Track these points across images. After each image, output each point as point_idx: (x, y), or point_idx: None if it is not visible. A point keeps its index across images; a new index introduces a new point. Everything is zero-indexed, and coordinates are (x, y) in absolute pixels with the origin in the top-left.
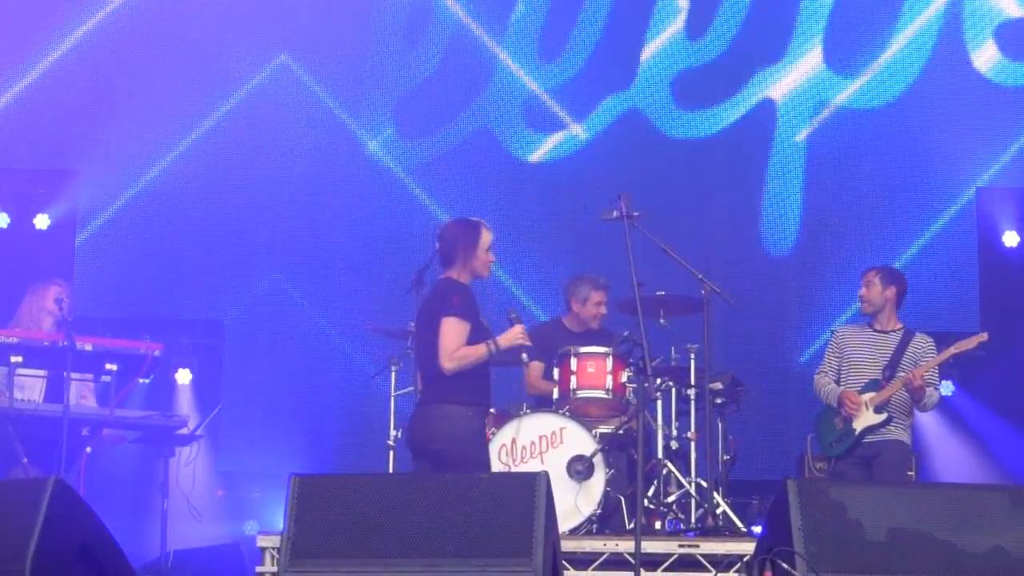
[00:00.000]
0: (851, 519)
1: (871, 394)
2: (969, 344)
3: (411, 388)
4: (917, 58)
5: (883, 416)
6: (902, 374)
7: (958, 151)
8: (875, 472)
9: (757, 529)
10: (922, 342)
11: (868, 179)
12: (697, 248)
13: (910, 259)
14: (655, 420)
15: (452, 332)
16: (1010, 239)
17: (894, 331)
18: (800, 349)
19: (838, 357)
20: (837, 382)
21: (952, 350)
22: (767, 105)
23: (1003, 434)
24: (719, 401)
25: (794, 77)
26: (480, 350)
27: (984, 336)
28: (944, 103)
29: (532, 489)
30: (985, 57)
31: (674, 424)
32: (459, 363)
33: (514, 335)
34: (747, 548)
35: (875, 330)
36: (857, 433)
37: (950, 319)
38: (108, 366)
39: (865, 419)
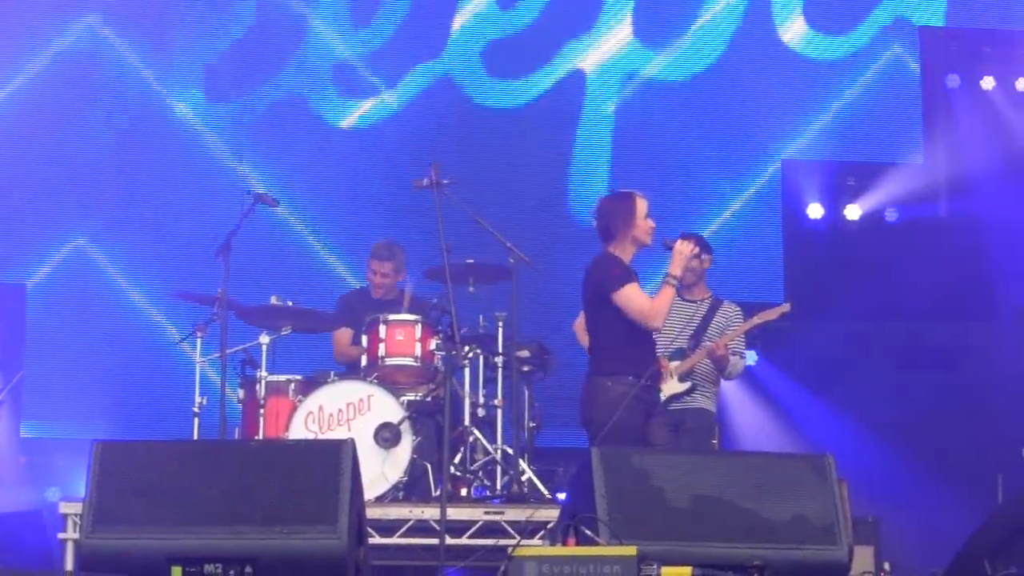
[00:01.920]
0: (654, 486)
1: (676, 362)
2: (771, 315)
3: (217, 355)
4: (725, 31)
5: (687, 385)
6: (707, 343)
7: (764, 124)
8: (680, 439)
9: (562, 496)
10: (730, 310)
11: (675, 150)
12: (506, 216)
13: (716, 230)
14: (462, 387)
15: (634, 299)
16: (814, 211)
17: (703, 300)
18: None
19: None
20: None
21: (755, 320)
22: (577, 76)
23: (805, 403)
24: (526, 369)
25: (604, 48)
26: (668, 291)
27: (787, 307)
28: (751, 76)
29: (338, 456)
30: (793, 30)
31: (481, 391)
32: (661, 315)
33: (683, 253)
34: (552, 515)
35: (684, 299)
36: (663, 401)
37: (755, 290)
38: None
39: (670, 387)
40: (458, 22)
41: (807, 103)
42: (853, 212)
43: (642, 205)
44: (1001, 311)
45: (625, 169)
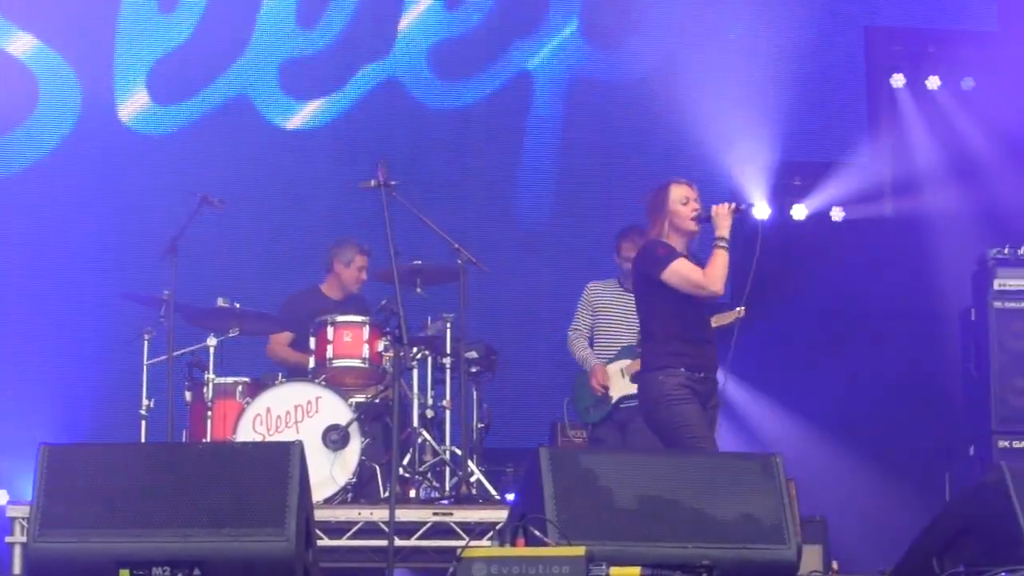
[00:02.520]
0: (602, 486)
1: (626, 361)
2: (726, 319)
3: (164, 357)
4: (672, 30)
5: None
6: None
7: (711, 123)
8: (628, 437)
9: (511, 497)
10: None
11: (623, 151)
12: (454, 217)
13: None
14: (411, 389)
15: (684, 271)
16: (760, 211)
17: None
18: (554, 318)
19: (590, 314)
20: (591, 340)
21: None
22: (524, 76)
23: (753, 403)
24: (474, 370)
25: (550, 48)
26: (720, 255)
27: (741, 311)
28: (698, 75)
29: (286, 459)
30: (737, 30)
31: (429, 393)
32: (719, 281)
33: (722, 214)
34: (500, 516)
35: (627, 289)
36: (614, 401)
37: None
38: None
39: (621, 387)
40: (404, 23)
41: (753, 102)
42: (799, 212)
43: (677, 191)
44: (948, 311)
45: (573, 170)
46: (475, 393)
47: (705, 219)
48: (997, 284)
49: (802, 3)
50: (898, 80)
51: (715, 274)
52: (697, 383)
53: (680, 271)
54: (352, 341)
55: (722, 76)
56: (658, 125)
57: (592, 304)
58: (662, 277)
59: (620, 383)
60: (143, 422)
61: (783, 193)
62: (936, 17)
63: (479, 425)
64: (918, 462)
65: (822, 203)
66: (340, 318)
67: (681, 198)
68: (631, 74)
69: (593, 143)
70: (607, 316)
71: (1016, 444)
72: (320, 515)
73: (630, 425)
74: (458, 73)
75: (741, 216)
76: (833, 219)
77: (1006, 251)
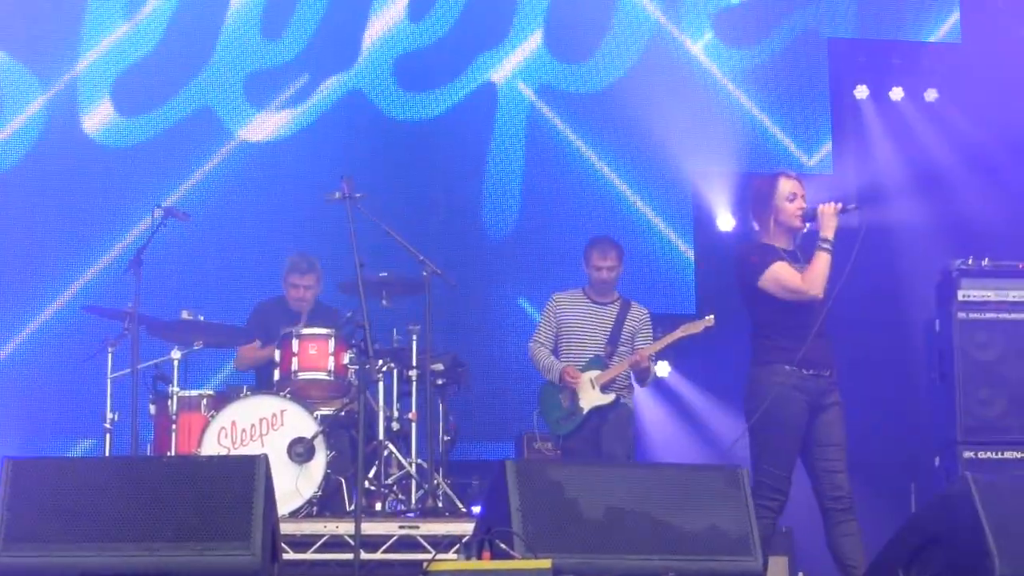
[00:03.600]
0: (569, 499)
1: (596, 372)
2: (695, 328)
3: (128, 370)
4: (636, 42)
5: (611, 397)
6: (630, 355)
7: (675, 134)
8: (603, 438)
9: (477, 509)
10: (639, 313)
11: (587, 162)
12: (420, 230)
13: (629, 240)
14: (376, 401)
15: (782, 277)
16: (725, 222)
17: (612, 302)
18: (520, 330)
19: (554, 325)
20: (555, 352)
21: (679, 333)
22: (489, 88)
23: (718, 414)
24: (440, 382)
25: (515, 60)
26: (822, 257)
27: (710, 320)
28: (662, 87)
29: (251, 472)
30: (702, 43)
31: (395, 405)
32: (818, 284)
33: (828, 214)
34: (467, 529)
35: (593, 301)
36: (585, 412)
37: (667, 301)
38: None
39: (592, 398)
40: (369, 35)
41: (717, 115)
42: None
43: (785, 185)
44: (912, 322)
45: (537, 181)
46: (441, 405)
47: (811, 217)
48: (961, 295)
49: (767, 15)
50: (862, 92)
51: (815, 277)
52: (805, 380)
53: (778, 277)
54: (317, 354)
55: (686, 87)
56: (622, 137)
57: (557, 315)
58: (759, 285)
59: (591, 393)
60: (107, 435)
61: (746, 204)
62: (900, 29)
63: (445, 438)
64: (884, 473)
65: None
66: (305, 331)
67: (788, 194)
68: (595, 86)
69: (558, 154)
70: (574, 327)
71: (982, 455)
72: (286, 528)
73: (602, 427)
74: (423, 85)
75: (846, 217)
76: None
77: (970, 262)
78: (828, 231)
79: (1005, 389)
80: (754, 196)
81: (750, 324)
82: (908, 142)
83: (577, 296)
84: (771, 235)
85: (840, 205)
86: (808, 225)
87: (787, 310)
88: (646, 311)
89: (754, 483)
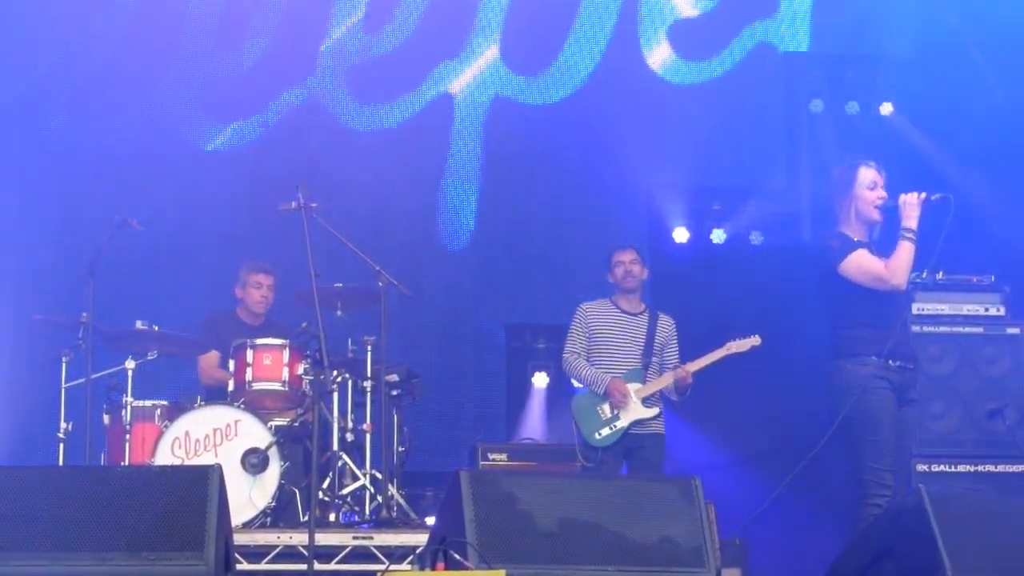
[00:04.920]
0: (522, 510)
1: (637, 385)
2: (742, 347)
3: (82, 380)
4: (592, 55)
5: (655, 411)
6: (661, 367)
7: (630, 147)
8: (634, 465)
9: (431, 520)
10: (667, 324)
11: (543, 174)
12: (375, 240)
13: (584, 254)
14: (331, 412)
15: (865, 264)
16: (680, 235)
17: (641, 312)
18: (475, 340)
19: (586, 335)
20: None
21: (724, 351)
22: (445, 99)
23: (672, 426)
24: (395, 393)
25: (472, 72)
26: (906, 246)
27: (757, 340)
28: (618, 100)
29: (205, 482)
30: (658, 55)
31: (350, 416)
32: (901, 273)
33: (911, 203)
34: (421, 539)
35: (623, 310)
36: (626, 426)
37: None
38: None
39: (634, 412)
40: (326, 44)
41: (673, 128)
42: (718, 236)
43: (865, 174)
44: None
45: (494, 193)
46: (396, 416)
47: (891, 207)
48: (915, 308)
49: (722, 29)
50: (817, 105)
51: (899, 266)
52: (892, 371)
53: (861, 263)
54: (272, 364)
55: (642, 100)
56: (578, 149)
57: (588, 325)
58: (840, 268)
59: (634, 407)
60: (61, 445)
61: (702, 217)
62: (856, 43)
63: (400, 448)
64: (837, 485)
65: (741, 227)
66: (260, 341)
67: (869, 182)
68: (551, 97)
69: (514, 166)
70: (606, 337)
71: (935, 468)
72: (239, 539)
73: (636, 453)
74: (380, 95)
75: (929, 206)
76: (752, 243)
77: (923, 275)
78: (911, 220)
79: (958, 403)
80: (835, 182)
81: (830, 318)
82: (863, 156)
83: (606, 305)
84: (850, 225)
85: (924, 195)
86: (879, 223)
87: (869, 300)
88: (672, 322)
89: (860, 483)
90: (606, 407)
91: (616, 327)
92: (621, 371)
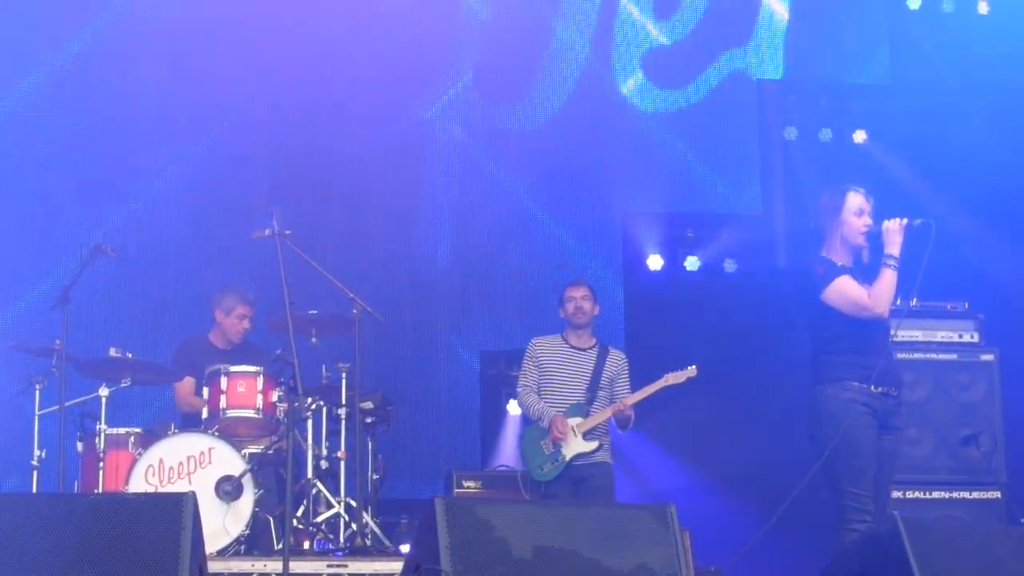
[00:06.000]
0: (498, 537)
1: (578, 420)
2: (678, 378)
3: (55, 407)
4: (566, 83)
5: (594, 444)
6: (608, 401)
7: (605, 175)
8: (583, 494)
9: (406, 548)
10: (617, 359)
11: (517, 201)
12: (349, 267)
13: (557, 281)
14: (305, 440)
15: (847, 290)
16: (654, 262)
17: (591, 348)
18: (449, 367)
19: (536, 370)
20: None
21: (661, 383)
22: (421, 125)
23: (647, 453)
24: (369, 420)
25: (447, 99)
26: (888, 274)
27: (693, 371)
28: (592, 127)
29: (178, 510)
30: (632, 83)
31: (324, 443)
32: (884, 301)
33: (892, 230)
34: (395, 567)
35: (572, 346)
36: (568, 459)
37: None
38: None
39: (575, 446)
40: (300, 71)
41: (647, 155)
42: (692, 263)
43: (854, 200)
44: None
45: (469, 221)
46: (370, 444)
47: (876, 234)
48: (890, 335)
49: (696, 57)
50: (791, 133)
51: (881, 294)
52: (874, 397)
53: (843, 290)
54: (246, 391)
55: (616, 128)
56: (553, 176)
57: (538, 360)
58: (823, 296)
59: (573, 441)
60: (34, 473)
61: (675, 244)
62: (829, 71)
63: (374, 476)
64: (812, 512)
65: (715, 254)
66: (234, 368)
67: (856, 208)
68: (526, 125)
69: (489, 193)
70: (553, 373)
71: (910, 494)
72: (213, 567)
73: (585, 483)
74: (354, 123)
75: (913, 232)
76: (726, 270)
77: (898, 302)
78: (893, 248)
79: (933, 429)
80: (823, 207)
81: (812, 342)
82: (836, 183)
83: (556, 342)
84: (835, 250)
85: (906, 220)
86: (866, 248)
87: (853, 326)
88: (624, 357)
89: (839, 508)
90: (549, 442)
91: (562, 363)
92: (566, 405)
